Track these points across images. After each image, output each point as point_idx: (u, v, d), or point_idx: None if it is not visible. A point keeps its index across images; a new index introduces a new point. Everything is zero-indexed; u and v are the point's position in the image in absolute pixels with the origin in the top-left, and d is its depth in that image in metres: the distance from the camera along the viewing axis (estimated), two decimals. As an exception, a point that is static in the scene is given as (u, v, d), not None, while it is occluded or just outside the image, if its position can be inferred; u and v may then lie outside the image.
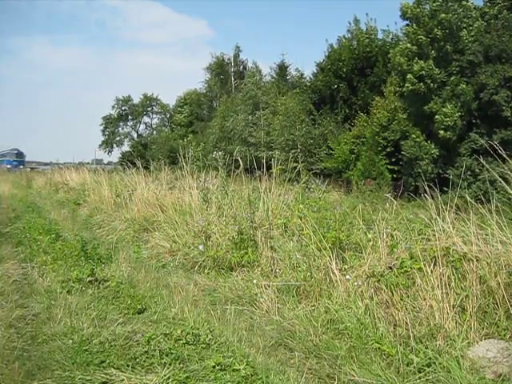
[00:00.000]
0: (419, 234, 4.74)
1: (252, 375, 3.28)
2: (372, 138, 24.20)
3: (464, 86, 20.38)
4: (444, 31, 21.55)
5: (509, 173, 4.53)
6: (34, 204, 14.47)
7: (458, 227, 4.49)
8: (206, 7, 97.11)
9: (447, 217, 4.56)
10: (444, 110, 20.35)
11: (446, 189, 6.18)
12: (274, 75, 37.20)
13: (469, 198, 4.90)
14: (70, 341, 3.77)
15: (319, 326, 4.01)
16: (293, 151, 25.16)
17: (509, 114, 19.36)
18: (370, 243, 4.99)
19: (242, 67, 45.10)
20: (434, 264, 4.15)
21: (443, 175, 20.11)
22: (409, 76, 21.31)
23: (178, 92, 57.70)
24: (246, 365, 3.38)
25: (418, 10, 22.33)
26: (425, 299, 3.92)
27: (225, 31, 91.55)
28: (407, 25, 23.47)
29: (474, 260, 4.04)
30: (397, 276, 4.23)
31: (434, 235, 4.39)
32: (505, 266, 3.90)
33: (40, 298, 4.82)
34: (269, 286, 4.78)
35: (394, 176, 22.97)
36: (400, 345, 3.56)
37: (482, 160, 5.64)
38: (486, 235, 4.26)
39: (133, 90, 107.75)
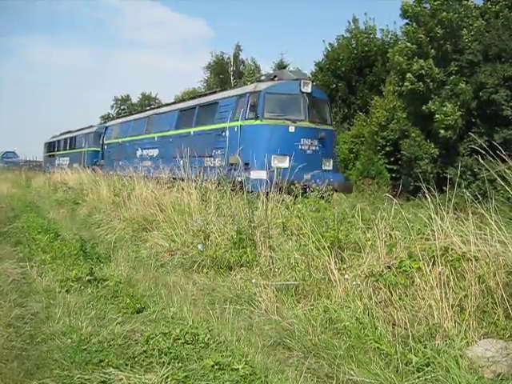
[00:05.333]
0: (418, 234, 4.74)
1: (251, 374, 3.27)
2: (371, 138, 24.18)
3: (463, 85, 20.38)
4: (444, 30, 21.53)
5: (508, 172, 4.52)
6: (32, 203, 14.47)
7: (457, 227, 4.49)
8: (206, 7, 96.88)
9: (446, 216, 4.56)
10: (444, 109, 20.34)
11: (445, 188, 6.21)
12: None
13: (467, 198, 4.90)
14: (69, 340, 3.76)
15: (318, 326, 4.00)
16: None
17: (509, 113, 19.34)
18: (369, 243, 4.99)
19: (241, 67, 45.01)
20: (433, 263, 4.15)
21: (443, 175, 20.10)
22: (408, 75, 21.27)
23: (177, 91, 57.51)
24: (245, 364, 3.37)
25: (419, 8, 22.32)
26: (423, 299, 3.92)
27: (225, 31, 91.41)
28: (407, 24, 23.45)
29: (473, 260, 4.04)
30: (395, 275, 4.23)
31: (433, 235, 4.39)
32: (503, 265, 3.90)
33: (39, 298, 4.82)
34: (267, 286, 4.77)
35: (393, 175, 22.96)
36: (399, 344, 3.56)
37: (480, 160, 5.63)
38: (485, 235, 4.26)
39: (132, 90, 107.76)
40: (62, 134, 32.75)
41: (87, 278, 5.37)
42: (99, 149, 23.17)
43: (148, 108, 24.53)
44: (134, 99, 57.21)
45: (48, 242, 7.39)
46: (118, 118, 25.68)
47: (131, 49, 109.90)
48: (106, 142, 22.21)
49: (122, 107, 57.39)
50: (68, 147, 29.62)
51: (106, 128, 23.38)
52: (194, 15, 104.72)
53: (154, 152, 16.28)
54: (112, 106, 57.29)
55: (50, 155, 34.39)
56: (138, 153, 17.59)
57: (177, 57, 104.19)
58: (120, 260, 6.31)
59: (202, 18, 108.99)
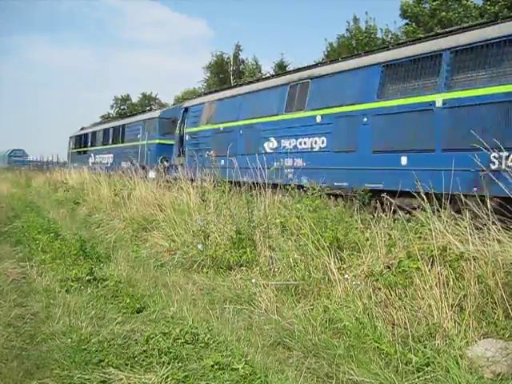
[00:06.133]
0: (416, 234, 4.74)
1: (251, 374, 3.27)
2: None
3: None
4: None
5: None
6: (32, 203, 14.48)
7: (455, 226, 4.49)
8: (206, 7, 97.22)
9: (443, 215, 4.56)
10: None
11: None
12: (274, 73, 37.03)
13: (465, 198, 4.91)
14: (69, 340, 3.76)
15: (318, 326, 4.01)
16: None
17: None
18: (368, 242, 4.99)
19: (241, 66, 44.97)
20: (432, 263, 4.15)
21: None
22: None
23: (177, 91, 57.65)
24: (245, 364, 3.38)
25: (418, 8, 22.38)
26: (423, 298, 3.92)
27: (225, 31, 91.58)
28: (407, 24, 23.51)
29: (472, 259, 4.04)
30: (395, 275, 4.23)
31: (431, 234, 4.40)
32: (502, 265, 3.91)
33: (39, 297, 4.82)
34: (267, 286, 4.78)
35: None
36: (398, 344, 3.56)
37: (477, 159, 5.64)
38: (483, 234, 4.26)
39: (132, 90, 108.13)
40: (95, 125, 25.74)
41: (87, 278, 5.38)
42: (170, 141, 16.22)
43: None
44: (134, 99, 57.25)
45: (48, 241, 7.40)
46: (206, 93, 16.37)
47: (131, 49, 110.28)
48: (187, 130, 14.84)
49: (121, 107, 57.40)
50: (110, 140, 21.55)
51: (186, 110, 15.30)
52: (194, 15, 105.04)
53: (315, 142, 9.74)
54: (112, 106, 57.32)
55: (78, 152, 26.33)
56: (269, 145, 11.04)
57: (177, 57, 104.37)
58: (120, 260, 6.31)
59: (202, 17, 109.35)
